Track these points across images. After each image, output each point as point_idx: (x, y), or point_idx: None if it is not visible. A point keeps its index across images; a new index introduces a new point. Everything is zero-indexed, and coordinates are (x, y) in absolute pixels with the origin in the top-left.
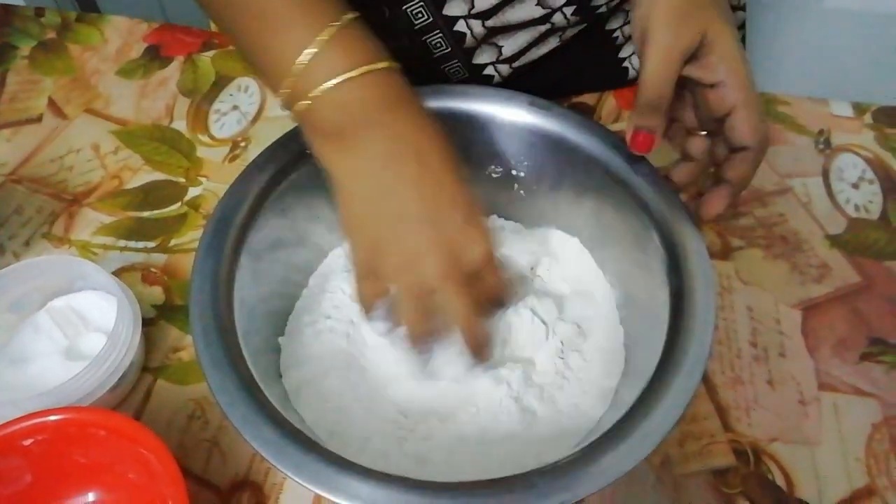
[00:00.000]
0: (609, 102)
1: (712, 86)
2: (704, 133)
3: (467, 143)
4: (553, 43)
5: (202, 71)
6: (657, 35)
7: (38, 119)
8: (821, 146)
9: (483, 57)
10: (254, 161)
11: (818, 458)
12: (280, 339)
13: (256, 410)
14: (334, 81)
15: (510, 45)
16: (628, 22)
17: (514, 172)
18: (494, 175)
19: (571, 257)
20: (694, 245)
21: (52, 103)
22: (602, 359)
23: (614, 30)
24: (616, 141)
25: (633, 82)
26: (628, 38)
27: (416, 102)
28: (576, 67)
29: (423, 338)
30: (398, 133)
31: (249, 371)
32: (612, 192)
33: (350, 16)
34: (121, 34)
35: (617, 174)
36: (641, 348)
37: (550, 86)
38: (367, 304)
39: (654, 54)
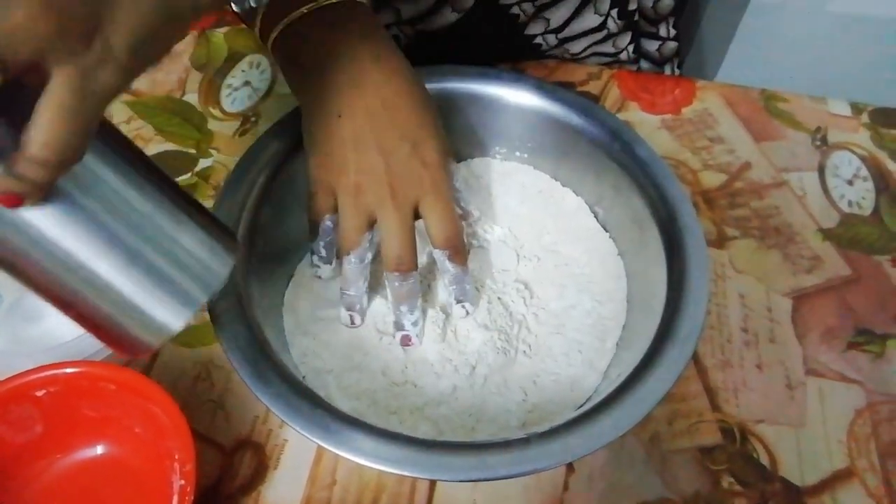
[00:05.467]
0: (613, 92)
1: None
2: None
3: (473, 124)
4: (449, 14)
5: (215, 46)
6: None
7: None
8: (817, 143)
9: (384, 19)
10: (271, 129)
11: (802, 439)
12: (283, 309)
13: (267, 367)
14: (299, 12)
15: (407, 9)
16: None
17: (517, 153)
18: (498, 156)
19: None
20: (689, 226)
21: None
22: (599, 330)
23: (510, 5)
24: (618, 125)
25: (550, 55)
26: (531, 16)
27: (379, 35)
28: (480, 40)
29: (355, 242)
30: (359, 65)
31: (260, 330)
32: (613, 175)
33: None
34: None
35: (618, 157)
36: (639, 321)
37: (455, 56)
38: (317, 214)
39: None
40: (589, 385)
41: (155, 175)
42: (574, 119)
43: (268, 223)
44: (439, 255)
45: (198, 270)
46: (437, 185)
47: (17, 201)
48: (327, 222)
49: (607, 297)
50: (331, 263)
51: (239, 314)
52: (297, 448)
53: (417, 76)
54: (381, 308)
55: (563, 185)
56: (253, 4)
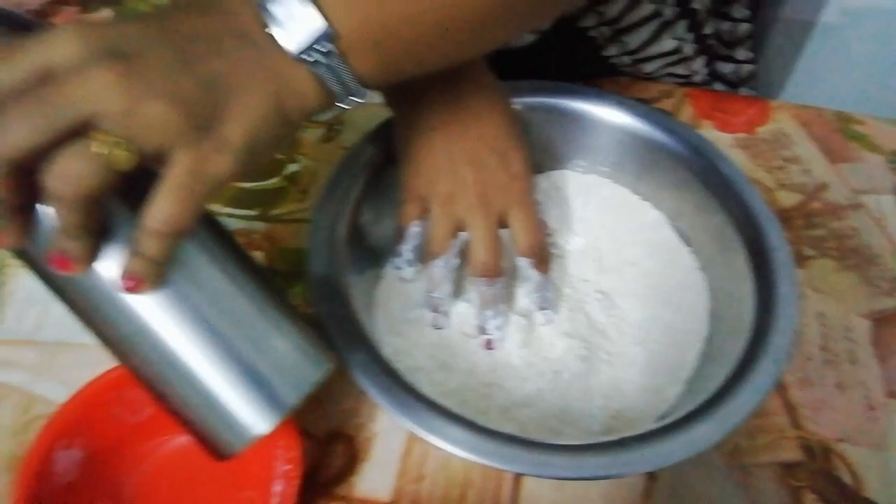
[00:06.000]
0: (686, 110)
1: None
2: None
3: (553, 138)
4: (527, 35)
5: None
6: None
7: None
8: (894, 165)
9: None
10: (366, 136)
11: (887, 461)
12: (374, 309)
13: (372, 361)
14: None
15: None
16: (604, 23)
17: (599, 167)
18: (579, 169)
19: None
20: (776, 244)
21: None
22: (680, 343)
23: (589, 28)
24: (700, 141)
25: (623, 72)
26: (608, 39)
27: (477, 65)
28: (556, 59)
29: (443, 248)
30: (452, 80)
31: (362, 327)
32: (694, 191)
33: None
34: None
35: (700, 173)
36: (724, 336)
37: (531, 73)
38: (406, 220)
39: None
40: (671, 396)
41: (255, 274)
42: (657, 135)
43: (364, 224)
44: (523, 263)
45: (291, 372)
46: (522, 195)
47: (137, 285)
48: (415, 227)
49: (689, 310)
50: (414, 266)
51: (345, 311)
52: (387, 441)
53: (504, 91)
54: (466, 312)
55: (643, 200)
56: (360, 101)
